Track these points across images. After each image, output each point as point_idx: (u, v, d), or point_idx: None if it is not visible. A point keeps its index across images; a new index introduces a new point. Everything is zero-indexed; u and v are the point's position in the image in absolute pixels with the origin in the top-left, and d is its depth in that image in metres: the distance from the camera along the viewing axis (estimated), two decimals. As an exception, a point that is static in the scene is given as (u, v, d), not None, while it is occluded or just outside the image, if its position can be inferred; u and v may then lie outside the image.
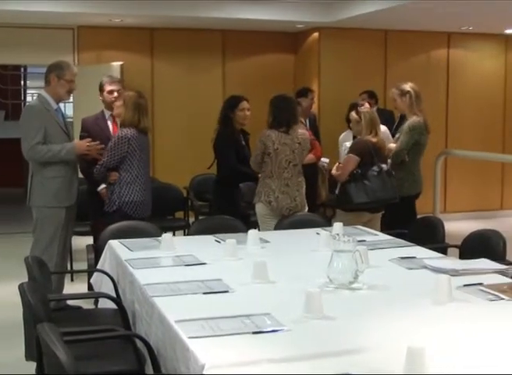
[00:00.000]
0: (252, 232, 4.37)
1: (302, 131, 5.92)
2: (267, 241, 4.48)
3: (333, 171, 6.09)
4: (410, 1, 7.61)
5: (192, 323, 2.79)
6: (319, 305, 2.87)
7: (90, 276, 4.63)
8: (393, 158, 6.21)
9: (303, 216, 5.52)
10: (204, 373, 2.37)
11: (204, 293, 3.27)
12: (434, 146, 8.64)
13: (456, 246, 4.80)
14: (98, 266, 4.48)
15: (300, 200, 5.73)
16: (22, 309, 3.30)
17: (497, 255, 4.34)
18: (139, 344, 3.08)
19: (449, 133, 10.47)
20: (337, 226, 4.50)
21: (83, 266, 5.53)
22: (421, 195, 6.62)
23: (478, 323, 2.88)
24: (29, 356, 3.34)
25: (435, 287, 3.15)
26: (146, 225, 5.05)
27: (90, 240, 6.07)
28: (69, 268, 6.43)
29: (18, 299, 3.28)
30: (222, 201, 6.21)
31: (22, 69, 15.22)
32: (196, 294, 3.26)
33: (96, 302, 4.70)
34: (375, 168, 5.78)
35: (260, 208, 5.74)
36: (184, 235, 6.96)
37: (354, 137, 6.22)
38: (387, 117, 7.26)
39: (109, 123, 6.10)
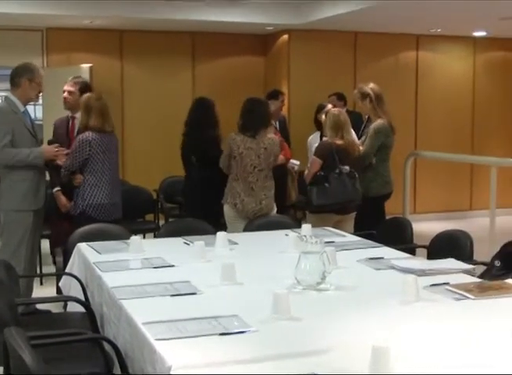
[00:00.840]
0: (220, 234, 4.37)
1: (271, 136, 5.89)
2: (235, 243, 4.48)
3: (305, 172, 6.17)
4: (379, 1, 7.64)
5: (159, 325, 2.79)
6: (286, 306, 2.88)
7: (58, 280, 4.60)
8: (360, 161, 6.25)
9: (272, 217, 5.54)
10: (170, 374, 2.37)
11: (172, 295, 3.27)
12: (403, 147, 8.72)
13: (424, 246, 4.84)
14: (67, 270, 4.46)
15: (266, 203, 5.71)
16: (-12, 314, 3.27)
17: (465, 254, 4.38)
18: (107, 346, 3.07)
19: (419, 135, 10.55)
20: (305, 228, 4.52)
21: (53, 269, 5.50)
22: (392, 196, 6.66)
23: (444, 322, 2.90)
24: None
25: (402, 288, 3.17)
26: (115, 228, 5.03)
27: (59, 243, 6.03)
28: (38, 271, 6.39)
29: (-16, 303, 3.25)
30: (198, 204, 6.20)
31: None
32: (164, 296, 3.26)
33: (65, 306, 4.67)
34: (336, 170, 5.83)
35: (226, 210, 5.76)
36: (154, 238, 6.95)
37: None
38: (356, 119, 7.26)
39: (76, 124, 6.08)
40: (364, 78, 7.90)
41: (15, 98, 5.53)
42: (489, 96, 11.00)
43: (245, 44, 10.21)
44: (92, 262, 4.02)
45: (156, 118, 9.79)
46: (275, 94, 8.32)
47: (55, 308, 5.38)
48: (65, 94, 6.08)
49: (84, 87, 6.14)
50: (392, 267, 3.77)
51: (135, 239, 4.32)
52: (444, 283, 3.42)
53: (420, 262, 3.97)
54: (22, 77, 5.52)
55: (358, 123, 7.05)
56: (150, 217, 7.98)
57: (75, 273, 4.27)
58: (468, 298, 3.20)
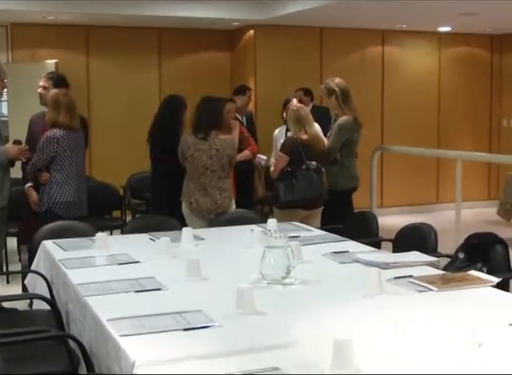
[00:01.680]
0: (186, 230, 4.37)
1: (225, 137, 5.79)
2: (201, 239, 4.49)
3: (271, 167, 6.19)
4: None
5: (124, 321, 2.79)
6: (251, 300, 2.89)
7: (24, 278, 4.57)
8: (325, 156, 6.28)
9: (238, 212, 5.53)
10: (134, 370, 2.37)
11: (137, 291, 3.27)
12: (370, 142, 8.78)
13: (389, 240, 4.88)
14: (32, 267, 4.42)
15: (222, 202, 5.68)
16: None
17: (429, 247, 4.44)
18: (73, 344, 3.06)
19: (385, 129, 10.62)
20: (271, 223, 4.53)
21: (19, 267, 5.45)
22: (358, 190, 6.70)
23: (406, 315, 2.93)
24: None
25: (365, 281, 3.20)
26: (81, 225, 5.00)
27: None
28: (4, 269, 6.34)
29: None
30: (168, 201, 6.18)
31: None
32: (128, 292, 3.26)
33: (31, 304, 4.64)
34: (303, 166, 5.85)
35: (183, 208, 5.78)
36: (121, 234, 6.92)
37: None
38: (323, 114, 7.31)
39: None
40: (331, 73, 7.93)
41: (-22, 95, 5.48)
42: (455, 91, 11.10)
43: (211, 39, 10.20)
44: (57, 259, 4.00)
45: (123, 114, 9.75)
46: (242, 90, 8.34)
47: (21, 306, 5.35)
48: (40, 89, 6.07)
49: (58, 82, 6.10)
50: (357, 261, 3.80)
51: (100, 236, 4.30)
52: (408, 276, 3.45)
53: (384, 255, 4.01)
54: None
55: (325, 118, 7.09)
56: (117, 214, 7.95)
57: (41, 270, 4.24)
58: (431, 289, 3.24)
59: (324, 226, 5.70)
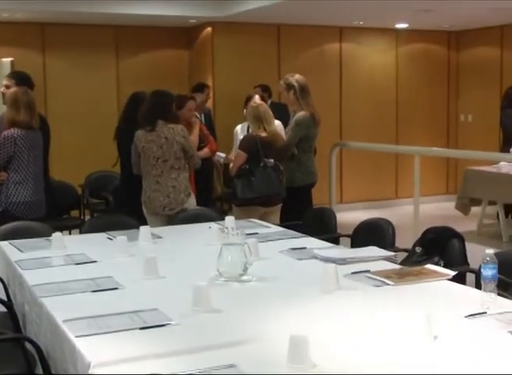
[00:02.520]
0: (144, 228, 4.35)
1: (174, 125, 5.72)
2: (159, 237, 4.47)
3: (231, 164, 6.19)
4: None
5: (79, 321, 2.77)
6: (207, 298, 2.89)
7: (-21, 280, 4.51)
8: (283, 152, 6.29)
9: (197, 210, 5.52)
10: (89, 371, 2.35)
11: (93, 291, 3.24)
12: (329, 138, 8.82)
13: (347, 235, 4.90)
14: (-12, 269, 4.38)
15: (174, 196, 5.62)
16: None
17: (387, 242, 4.47)
18: (29, 346, 3.03)
19: (344, 126, 10.68)
20: (229, 220, 4.52)
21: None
22: (318, 187, 6.73)
23: (362, 309, 2.94)
24: None
25: (322, 277, 3.20)
26: (38, 225, 4.94)
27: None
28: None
29: None
30: (134, 200, 6.14)
31: None
32: (85, 292, 3.23)
33: (-14, 306, 4.58)
34: (261, 164, 5.87)
35: (143, 208, 5.76)
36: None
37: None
38: (281, 111, 7.33)
39: None
40: (289, 70, 7.93)
41: None
42: (412, 87, 11.20)
43: (169, 37, 10.16)
44: (13, 260, 3.96)
45: (81, 112, 9.66)
46: (200, 88, 8.35)
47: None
48: (3, 88, 6.02)
49: (21, 80, 6.03)
50: (314, 257, 3.81)
51: (57, 236, 4.26)
52: (365, 271, 3.48)
53: (342, 251, 4.02)
54: None
55: (284, 114, 7.10)
56: (75, 213, 7.88)
57: (-4, 272, 4.20)
58: (387, 284, 3.26)
59: (283, 222, 5.72)
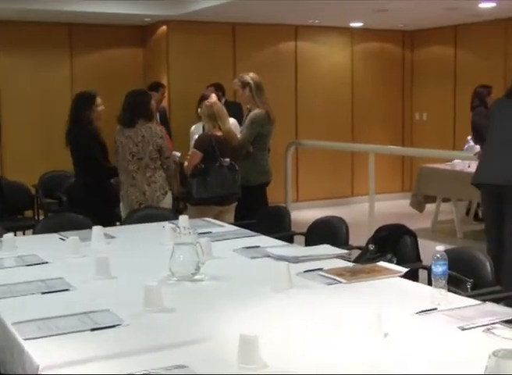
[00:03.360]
0: (96, 228, 4.31)
1: (151, 124, 5.88)
2: (112, 237, 4.43)
3: (185, 163, 6.17)
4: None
5: (29, 324, 2.72)
6: (158, 298, 2.87)
7: None
8: (238, 150, 6.28)
9: (151, 209, 5.49)
10: (38, 374, 2.32)
11: (43, 293, 3.20)
12: (284, 137, 8.85)
13: (301, 234, 4.91)
14: None
15: (150, 194, 5.73)
16: None
17: (340, 240, 4.50)
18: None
19: (299, 124, 10.70)
20: (183, 219, 4.50)
21: None
22: (275, 185, 6.74)
23: (314, 307, 2.95)
24: None
25: (275, 275, 3.21)
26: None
27: None
28: None
29: None
30: (92, 199, 6.09)
31: None
32: (35, 294, 3.19)
33: None
34: (217, 163, 5.87)
35: (121, 205, 5.79)
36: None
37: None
38: (235, 109, 7.31)
39: None
40: (244, 69, 7.95)
41: None
42: (367, 85, 11.28)
43: (124, 35, 10.08)
44: (-38, 262, 3.89)
45: (34, 112, 9.55)
46: (155, 87, 8.33)
47: None
48: None
49: None
50: (268, 255, 3.81)
51: (8, 237, 4.20)
52: (318, 269, 3.48)
53: (295, 249, 4.03)
54: None
55: (238, 113, 7.09)
56: (30, 213, 7.79)
57: None
58: (340, 282, 3.28)
59: (237, 221, 5.72)
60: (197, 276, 3.34)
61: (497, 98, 6.19)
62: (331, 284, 3.26)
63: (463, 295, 3.14)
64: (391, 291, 3.22)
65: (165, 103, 9.09)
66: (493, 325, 2.57)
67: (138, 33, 10.17)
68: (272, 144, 6.99)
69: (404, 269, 3.47)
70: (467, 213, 9.06)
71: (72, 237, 4.01)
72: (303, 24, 10.44)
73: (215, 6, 8.46)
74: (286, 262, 3.31)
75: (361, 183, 10.56)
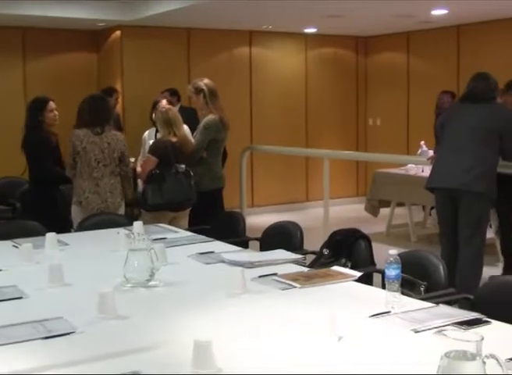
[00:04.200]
0: (50, 235, 4.26)
1: (115, 132, 5.88)
2: (66, 244, 4.39)
3: (138, 169, 6.14)
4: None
5: (-20, 333, 2.69)
6: (112, 305, 2.85)
7: None
8: (191, 156, 6.27)
9: (105, 215, 5.45)
10: (-11, 384, 2.29)
11: (-4, 301, 3.16)
12: (239, 142, 8.86)
13: (256, 239, 4.92)
14: None
15: (112, 201, 5.71)
16: None
17: (295, 245, 4.52)
18: None
19: (254, 129, 10.73)
20: (137, 225, 4.48)
21: None
22: (230, 190, 6.73)
23: (268, 312, 2.96)
24: None
25: (229, 280, 3.21)
26: None
27: None
28: None
29: None
30: (42, 205, 6.02)
31: None
32: (-13, 303, 3.15)
33: None
34: (173, 169, 5.86)
35: (73, 210, 5.72)
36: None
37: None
38: (190, 115, 7.30)
39: None
40: (199, 74, 7.95)
41: None
42: (321, 91, 11.35)
43: (78, 40, 10.00)
44: None
45: (-15, 117, 9.42)
46: (109, 92, 8.28)
47: None
48: None
49: None
50: (222, 261, 3.81)
51: (-42, 246, 4.14)
52: (272, 274, 3.49)
53: (249, 254, 4.04)
54: None
55: (193, 118, 7.07)
56: (-18, 221, 7.67)
57: None
58: (294, 287, 3.29)
59: (192, 227, 5.71)
60: (151, 283, 3.33)
61: (452, 103, 6.28)
62: (285, 289, 3.27)
63: (416, 298, 3.18)
64: (345, 295, 3.24)
65: (118, 108, 9.04)
66: (446, 327, 2.62)
67: (92, 38, 10.10)
68: (227, 149, 6.98)
69: (358, 274, 3.50)
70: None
71: (26, 245, 3.95)
72: (257, 30, 10.47)
73: (170, 11, 8.45)
74: (241, 268, 3.32)
75: (316, 188, 10.62)
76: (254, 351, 2.48)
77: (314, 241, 4.77)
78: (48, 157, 5.99)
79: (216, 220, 5.43)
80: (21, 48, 9.68)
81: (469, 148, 5.54)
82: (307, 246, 4.64)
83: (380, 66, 11.54)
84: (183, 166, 5.95)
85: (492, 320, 2.75)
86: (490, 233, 6.63)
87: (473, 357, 1.81)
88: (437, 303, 3.04)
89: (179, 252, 4.07)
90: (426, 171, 7.20)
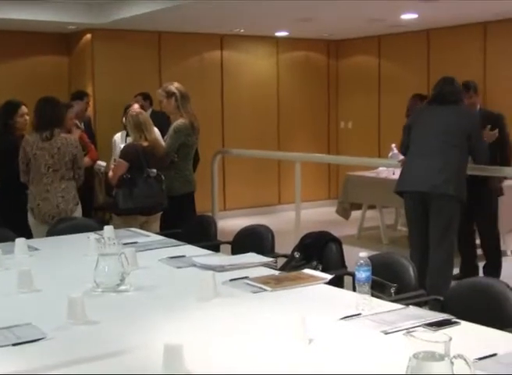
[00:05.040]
0: (19, 240, 4.23)
1: (66, 136, 5.79)
2: (36, 249, 4.35)
3: (109, 173, 6.11)
4: (179, 0, 7.68)
5: None
6: (82, 310, 2.83)
7: None
8: (162, 160, 6.24)
9: (76, 220, 5.41)
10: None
11: (-38, 309, 3.13)
12: (211, 145, 8.86)
13: (227, 242, 4.92)
14: None
15: (64, 206, 5.63)
16: None
17: (266, 248, 4.52)
18: None
19: (226, 133, 10.72)
20: (108, 230, 4.45)
21: None
22: (203, 194, 6.72)
23: (239, 316, 2.96)
24: None
25: (200, 284, 3.20)
26: None
27: None
28: None
29: None
30: (11, 210, 5.99)
31: None
32: (-46, 310, 3.11)
33: None
34: (144, 174, 5.84)
35: (28, 216, 5.66)
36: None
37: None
38: (162, 119, 7.28)
39: None
40: (170, 78, 7.94)
41: None
42: (293, 94, 11.37)
43: (48, 43, 9.92)
44: None
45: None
46: (80, 95, 8.23)
47: None
48: None
49: None
50: (193, 265, 3.81)
51: None
52: (243, 278, 3.49)
53: (221, 258, 4.03)
54: None
55: (164, 122, 7.05)
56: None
57: None
58: (265, 290, 3.29)
59: (163, 230, 5.69)
60: (122, 287, 3.31)
61: (420, 106, 6.31)
62: (256, 292, 3.27)
63: (386, 300, 3.20)
64: (316, 297, 3.25)
65: (89, 112, 8.99)
66: (415, 328, 2.64)
67: (62, 41, 10.02)
68: (199, 152, 6.97)
69: (329, 276, 3.51)
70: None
71: (-5, 250, 3.93)
72: (228, 33, 10.47)
73: (140, 15, 8.42)
74: (212, 271, 3.31)
75: (288, 191, 10.61)
76: (225, 354, 2.48)
77: (285, 245, 4.78)
78: (17, 162, 5.94)
79: (188, 224, 5.42)
80: (-11, 51, 9.60)
81: (438, 150, 5.56)
82: (278, 249, 4.65)
83: (351, 69, 11.59)
84: (155, 170, 5.93)
85: (462, 321, 2.77)
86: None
87: (441, 357, 1.83)
88: (407, 305, 3.06)
89: (151, 256, 4.06)
90: (397, 174, 7.21)
